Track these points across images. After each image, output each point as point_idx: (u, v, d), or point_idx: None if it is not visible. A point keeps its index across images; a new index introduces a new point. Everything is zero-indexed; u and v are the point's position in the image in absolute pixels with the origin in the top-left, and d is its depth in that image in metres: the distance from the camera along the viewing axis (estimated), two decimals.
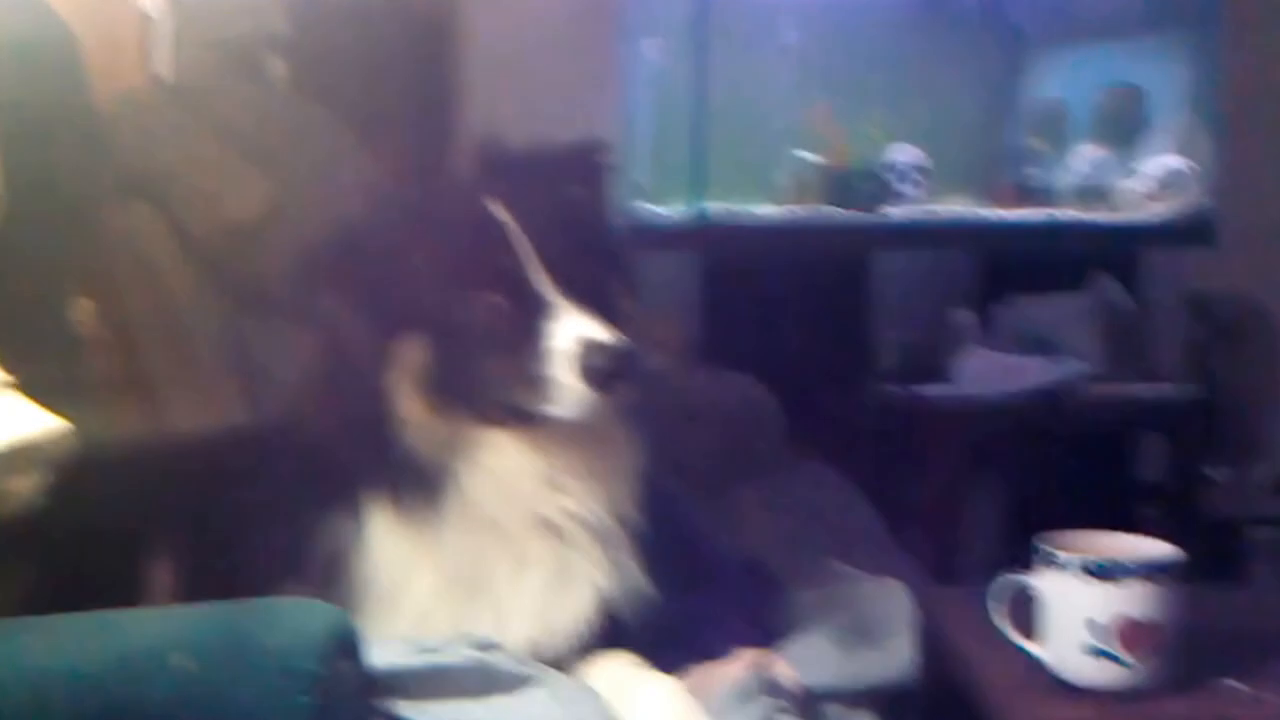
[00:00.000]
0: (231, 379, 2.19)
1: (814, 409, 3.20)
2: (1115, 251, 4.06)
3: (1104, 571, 1.65)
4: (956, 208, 4.00)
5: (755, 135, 3.85)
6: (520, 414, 1.51)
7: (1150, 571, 1.65)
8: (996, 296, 3.96)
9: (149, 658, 1.27)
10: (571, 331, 1.47)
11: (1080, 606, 1.67)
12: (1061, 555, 1.68)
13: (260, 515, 1.62)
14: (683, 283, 3.74)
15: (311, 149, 2.48)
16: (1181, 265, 4.13)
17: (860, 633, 1.74)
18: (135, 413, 2.10)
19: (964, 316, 3.89)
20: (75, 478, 1.49)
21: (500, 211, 1.54)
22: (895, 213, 3.91)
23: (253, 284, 2.23)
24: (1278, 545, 3.88)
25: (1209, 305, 4.15)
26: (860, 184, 3.87)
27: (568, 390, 1.47)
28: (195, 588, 1.63)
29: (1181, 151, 4.04)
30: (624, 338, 1.48)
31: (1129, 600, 1.65)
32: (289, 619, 1.33)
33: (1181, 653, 1.69)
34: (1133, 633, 1.65)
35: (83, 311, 2.12)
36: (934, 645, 1.78)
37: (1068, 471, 3.84)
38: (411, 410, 1.52)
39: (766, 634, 1.73)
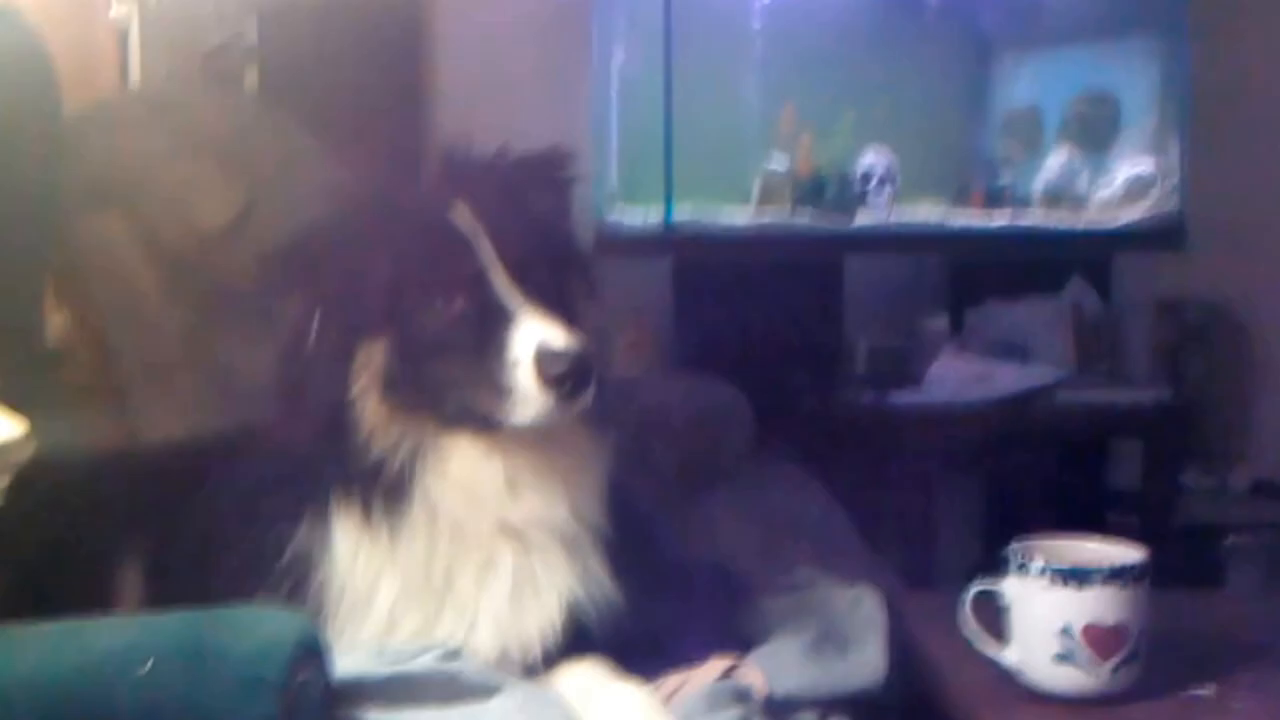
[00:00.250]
0: (201, 385, 2.19)
1: (786, 415, 3.21)
2: (1086, 256, 4.07)
3: (1072, 577, 1.66)
4: (927, 212, 4.00)
5: (725, 140, 3.84)
6: (484, 420, 1.51)
7: (1118, 577, 1.66)
8: (968, 302, 3.97)
9: (114, 666, 1.26)
10: (533, 338, 1.47)
11: (1049, 613, 1.67)
12: (1031, 561, 1.69)
13: (228, 522, 1.62)
14: (653, 288, 3.73)
15: (282, 157, 2.47)
16: (1152, 269, 4.14)
17: (831, 639, 1.74)
18: (105, 419, 2.09)
19: (936, 322, 3.90)
20: (43, 483, 1.48)
21: (464, 218, 1.54)
22: (865, 217, 3.90)
23: (223, 291, 2.22)
24: (1254, 551, 3.89)
25: (1180, 309, 4.16)
26: (830, 188, 3.87)
27: (528, 396, 1.47)
28: (162, 596, 1.62)
29: (1151, 156, 4.05)
30: (585, 344, 1.49)
31: (1097, 606, 1.65)
32: (254, 627, 1.32)
33: (1153, 659, 1.70)
34: (1101, 638, 1.65)
35: (53, 319, 2.12)
36: (905, 652, 1.78)
37: (1041, 477, 3.85)
38: (375, 415, 1.52)
39: (737, 641, 1.73)
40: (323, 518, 1.55)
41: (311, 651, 1.32)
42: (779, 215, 3.82)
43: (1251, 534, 3.91)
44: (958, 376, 3.64)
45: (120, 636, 1.33)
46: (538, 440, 1.55)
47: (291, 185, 2.33)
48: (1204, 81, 3.93)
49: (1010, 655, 1.73)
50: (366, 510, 1.53)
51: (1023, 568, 1.69)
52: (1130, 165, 4.06)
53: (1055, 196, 4.06)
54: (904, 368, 3.75)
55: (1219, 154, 3.91)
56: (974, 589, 1.75)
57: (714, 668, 1.62)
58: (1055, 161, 4.10)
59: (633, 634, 1.62)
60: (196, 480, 1.68)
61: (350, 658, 1.44)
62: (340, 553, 1.55)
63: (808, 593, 1.90)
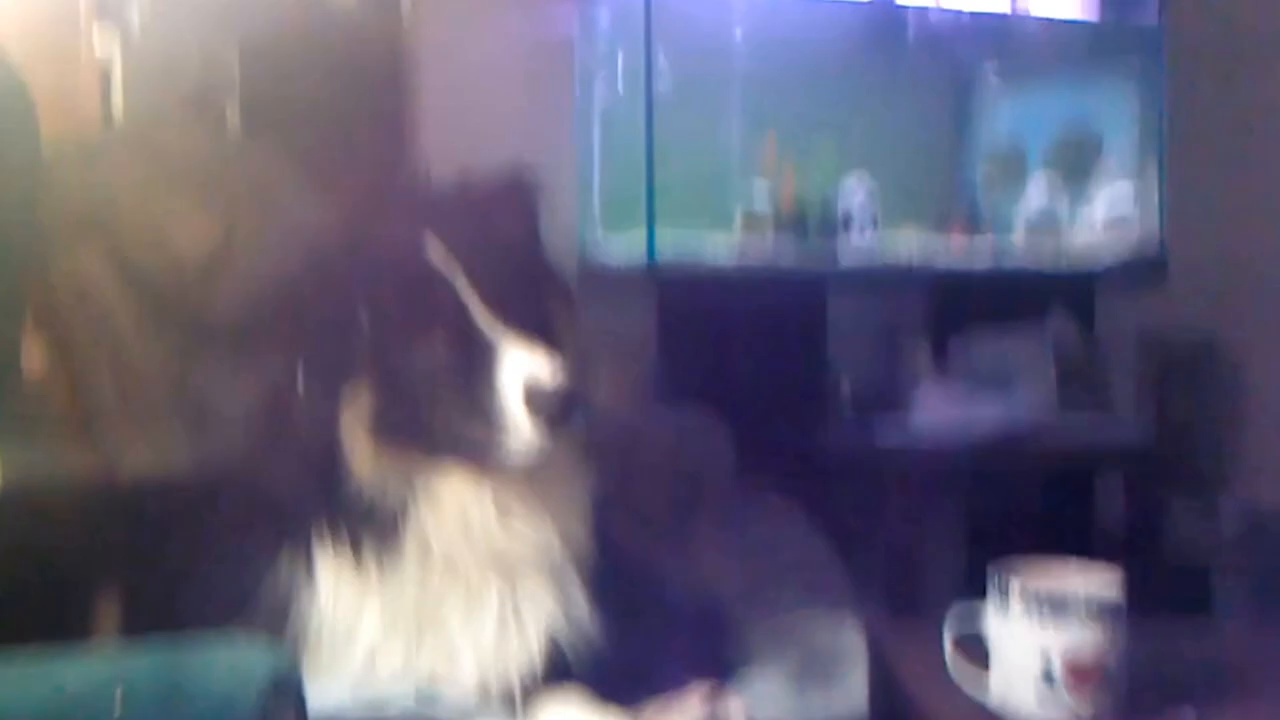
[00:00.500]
0: (179, 419, 2.18)
1: (769, 445, 3.20)
2: (1069, 287, 4.08)
3: (1051, 606, 1.65)
4: (908, 239, 4.00)
5: (707, 169, 3.86)
6: (474, 453, 1.51)
7: (1097, 605, 1.66)
8: (951, 333, 3.97)
9: (87, 697, 1.25)
10: (518, 369, 1.47)
11: (1031, 638, 1.67)
12: (1011, 588, 1.68)
13: (206, 557, 1.60)
14: (636, 319, 3.73)
15: (262, 191, 2.47)
16: (1135, 302, 4.15)
17: (813, 669, 1.74)
18: (82, 452, 2.09)
19: (919, 353, 3.90)
20: (17, 515, 1.48)
21: (437, 252, 1.54)
22: (847, 245, 3.90)
23: (201, 325, 2.22)
24: (1241, 583, 3.89)
25: (1163, 342, 4.17)
26: (812, 216, 3.88)
27: (517, 428, 1.47)
28: (137, 629, 1.61)
29: (1132, 188, 4.07)
30: (570, 371, 1.48)
31: (1077, 635, 1.65)
32: (229, 659, 1.31)
33: (1137, 689, 1.70)
34: (1081, 667, 1.65)
35: (31, 351, 2.11)
36: (887, 681, 1.78)
37: (1025, 509, 3.84)
38: (363, 455, 1.51)
39: (719, 670, 1.72)
40: (303, 553, 1.54)
41: (285, 685, 1.31)
42: (761, 243, 3.82)
43: (1238, 566, 3.90)
44: (940, 409, 3.65)
45: (94, 667, 1.32)
46: (524, 471, 1.54)
47: (272, 220, 2.33)
48: (1183, 114, 3.95)
49: (991, 685, 1.73)
50: (356, 547, 1.52)
51: (1002, 596, 1.69)
52: (1110, 195, 4.08)
53: (1036, 225, 4.08)
54: (887, 400, 3.75)
55: (1199, 187, 3.93)
56: (955, 616, 1.74)
57: (694, 698, 1.62)
58: (1036, 190, 4.12)
59: (613, 664, 1.62)
60: (173, 514, 1.67)
61: (326, 694, 1.44)
62: (324, 586, 1.54)
63: (789, 622, 1.90)
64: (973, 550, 3.79)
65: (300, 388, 1.52)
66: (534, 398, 1.46)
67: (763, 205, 3.86)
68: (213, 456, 1.76)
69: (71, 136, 2.48)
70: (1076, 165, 4.17)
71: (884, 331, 4.05)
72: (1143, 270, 4.00)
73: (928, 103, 4.24)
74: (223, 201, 2.35)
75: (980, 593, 1.74)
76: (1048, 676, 1.66)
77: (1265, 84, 4.14)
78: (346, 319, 1.52)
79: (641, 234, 3.72)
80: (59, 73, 2.69)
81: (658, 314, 3.79)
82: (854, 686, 1.72)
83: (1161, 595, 1.80)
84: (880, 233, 3.94)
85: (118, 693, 1.24)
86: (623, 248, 3.78)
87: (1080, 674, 1.65)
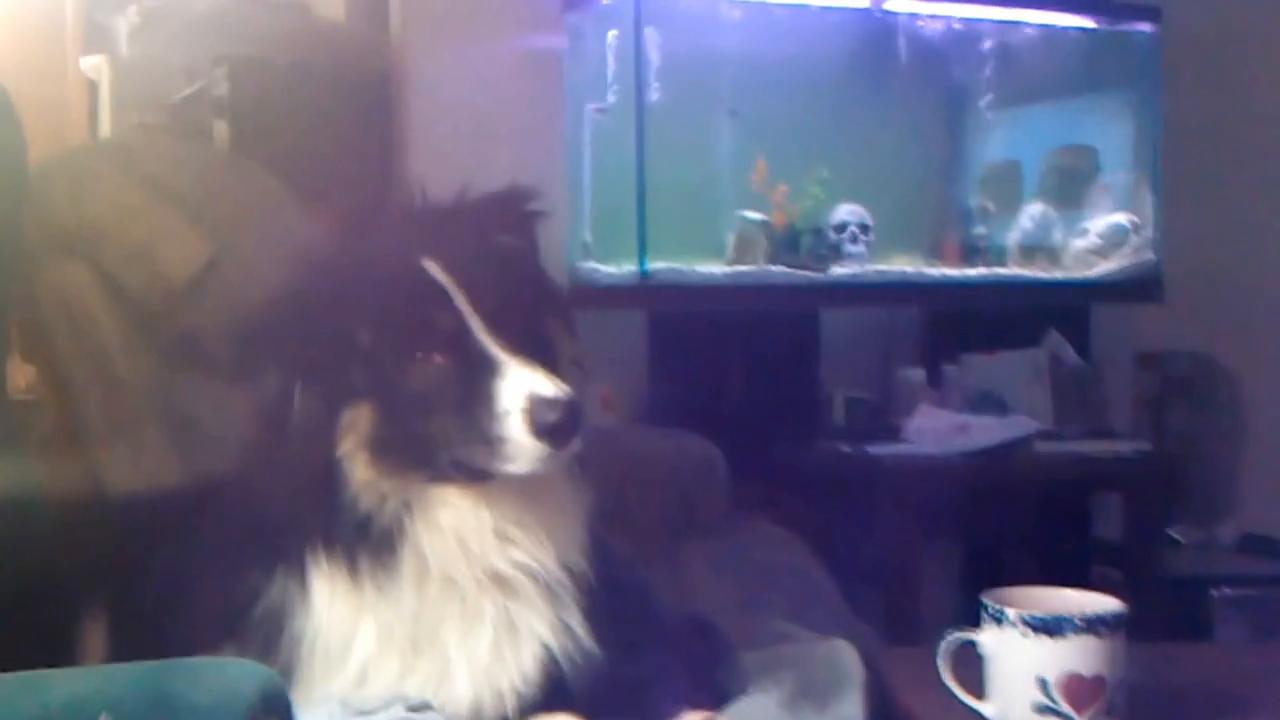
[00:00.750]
0: (167, 436, 2.17)
1: (763, 468, 3.20)
2: (1064, 308, 4.08)
3: (1048, 627, 1.64)
4: (902, 266, 3.99)
5: (700, 194, 3.85)
6: (471, 471, 1.50)
7: (1093, 627, 1.64)
8: (946, 354, 3.97)
9: (73, 716, 1.24)
10: (519, 387, 1.46)
11: (1026, 663, 1.65)
12: (1006, 612, 1.67)
13: (196, 575, 1.60)
14: (629, 341, 3.73)
15: (250, 208, 2.47)
16: (1130, 321, 4.15)
17: (809, 693, 1.72)
18: (69, 469, 2.08)
19: (914, 375, 3.89)
20: (4, 532, 1.46)
21: (435, 270, 1.52)
22: (841, 271, 3.89)
23: (189, 342, 2.21)
24: (1241, 604, 3.88)
25: (1161, 361, 4.17)
26: (805, 243, 3.87)
27: (519, 446, 1.45)
28: (126, 647, 1.60)
29: (1128, 208, 4.07)
30: (570, 389, 1.47)
31: (1073, 657, 1.63)
32: (215, 678, 1.30)
33: (1137, 712, 1.68)
34: (1078, 690, 1.63)
35: (18, 368, 2.10)
36: (883, 705, 1.76)
37: (1021, 531, 3.84)
38: (363, 475, 1.50)
39: (714, 694, 1.71)
40: (298, 570, 1.53)
41: (274, 704, 1.30)
42: (756, 269, 3.81)
43: (1238, 587, 3.90)
44: (936, 429, 3.64)
45: (82, 687, 1.30)
46: (525, 488, 1.53)
47: (260, 237, 2.33)
48: (1177, 133, 3.95)
49: (989, 708, 1.71)
50: (352, 564, 1.51)
51: (997, 618, 1.67)
52: (1106, 218, 4.08)
53: (1030, 250, 4.07)
54: (881, 420, 3.75)
55: (1194, 205, 3.93)
56: (951, 640, 1.73)
57: None
58: (1030, 215, 4.12)
59: (609, 686, 1.60)
60: (162, 531, 1.66)
61: (316, 712, 1.42)
62: (317, 606, 1.52)
63: (785, 646, 1.88)
64: (970, 571, 3.79)
65: (298, 406, 1.50)
66: (536, 417, 1.44)
67: (754, 231, 3.84)
68: (207, 473, 1.75)
69: (58, 153, 2.48)
70: (1072, 188, 4.17)
71: (878, 352, 4.04)
72: (1138, 289, 3.99)
73: (921, 128, 4.24)
74: (211, 219, 2.34)
75: (976, 614, 1.72)
76: (1045, 699, 1.64)
77: (1261, 102, 4.16)
78: (346, 338, 1.51)
79: (632, 262, 3.71)
80: (46, 90, 2.70)
81: (649, 335, 3.78)
82: (850, 710, 1.70)
83: (1160, 615, 1.79)
84: (873, 256, 3.93)
85: (108, 713, 1.23)
86: (616, 274, 3.77)
87: (1078, 697, 1.63)
